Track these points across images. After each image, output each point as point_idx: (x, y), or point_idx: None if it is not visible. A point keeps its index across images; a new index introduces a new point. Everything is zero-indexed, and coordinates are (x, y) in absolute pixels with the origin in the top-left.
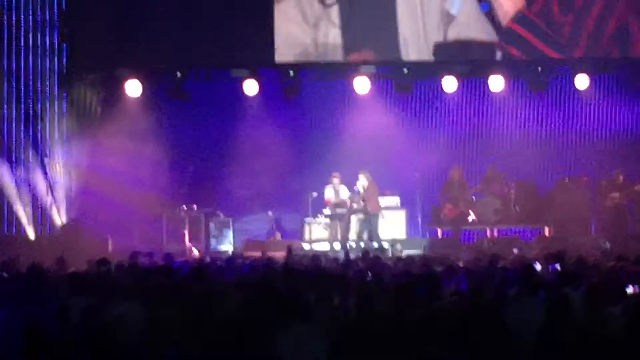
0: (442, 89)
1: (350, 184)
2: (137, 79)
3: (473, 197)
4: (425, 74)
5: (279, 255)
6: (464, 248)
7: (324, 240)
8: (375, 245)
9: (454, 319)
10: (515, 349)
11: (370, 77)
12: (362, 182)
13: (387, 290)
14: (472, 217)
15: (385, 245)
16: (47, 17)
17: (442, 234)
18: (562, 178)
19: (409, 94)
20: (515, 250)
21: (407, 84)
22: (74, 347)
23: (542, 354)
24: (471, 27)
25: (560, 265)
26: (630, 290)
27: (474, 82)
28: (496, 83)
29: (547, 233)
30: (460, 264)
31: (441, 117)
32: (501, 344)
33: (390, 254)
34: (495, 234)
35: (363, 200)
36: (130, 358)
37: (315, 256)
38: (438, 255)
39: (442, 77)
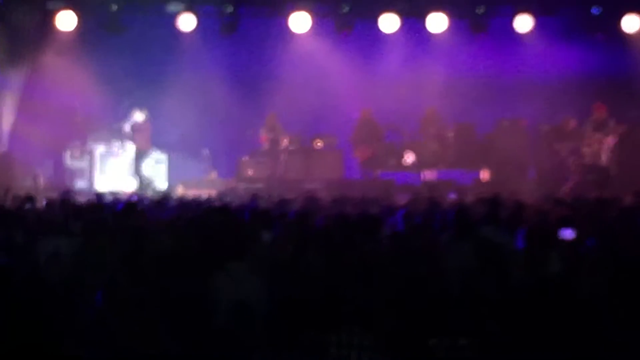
0: (381, 29)
1: (287, 123)
2: (71, 9)
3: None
4: (365, 13)
5: (214, 193)
6: (401, 190)
7: (259, 179)
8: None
9: (390, 262)
10: (448, 294)
11: (310, 15)
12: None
13: (322, 231)
14: (410, 158)
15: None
16: None
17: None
18: (501, 121)
19: (348, 33)
20: (453, 195)
21: (347, 22)
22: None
23: (474, 300)
24: None
25: (495, 209)
26: (567, 234)
27: (413, 22)
28: (436, 23)
29: (484, 176)
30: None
31: (380, 57)
32: (436, 288)
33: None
34: (433, 176)
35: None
36: (58, 296)
37: (254, 195)
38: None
39: (382, 14)
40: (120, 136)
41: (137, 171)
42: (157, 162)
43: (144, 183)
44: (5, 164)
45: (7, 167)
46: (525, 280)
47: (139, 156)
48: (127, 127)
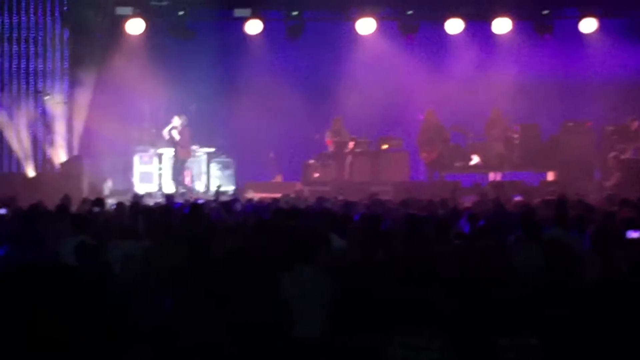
0: (446, 30)
1: (352, 126)
2: (139, 16)
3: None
4: (429, 15)
5: (280, 196)
6: (467, 192)
7: (325, 182)
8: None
9: (457, 263)
10: (516, 295)
11: (375, 18)
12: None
13: (390, 233)
14: (475, 160)
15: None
16: None
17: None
18: (566, 122)
19: (413, 36)
20: (519, 196)
21: (412, 24)
22: (73, 286)
23: (544, 298)
24: None
25: (562, 210)
26: (634, 235)
27: (479, 24)
28: (501, 25)
29: (550, 177)
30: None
31: (446, 59)
32: (503, 288)
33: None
34: (499, 177)
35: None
36: (129, 299)
37: (320, 198)
38: (439, 199)
39: (447, 18)
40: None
41: (175, 177)
42: (224, 165)
43: (181, 189)
44: (75, 167)
45: (78, 171)
46: (592, 281)
47: (178, 163)
48: (166, 133)
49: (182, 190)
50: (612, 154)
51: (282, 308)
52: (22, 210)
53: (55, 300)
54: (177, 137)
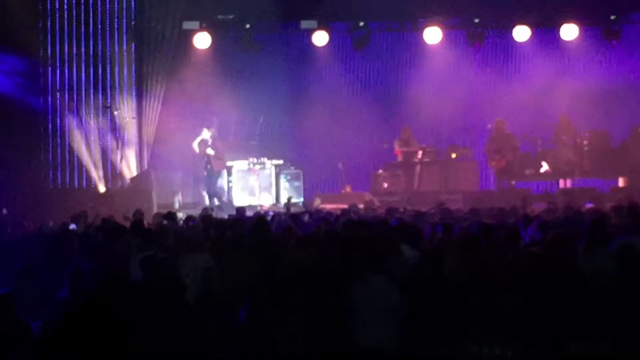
0: (514, 38)
1: (421, 135)
2: (206, 30)
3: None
4: (496, 24)
5: (349, 207)
6: (537, 199)
7: (394, 192)
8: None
9: (531, 270)
10: (590, 301)
11: (441, 28)
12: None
13: (461, 242)
14: (545, 167)
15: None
16: None
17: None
18: (636, 127)
19: (480, 45)
20: (589, 203)
21: (479, 33)
22: (150, 299)
23: (615, 306)
24: None
25: (634, 217)
26: None
27: (546, 31)
28: (569, 31)
29: (621, 184)
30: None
31: (513, 67)
32: (576, 295)
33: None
34: (569, 184)
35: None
36: (201, 311)
37: (390, 208)
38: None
39: (514, 26)
40: (255, 153)
41: (211, 191)
42: (293, 177)
43: (217, 201)
44: (146, 182)
45: (148, 185)
46: None
47: (214, 176)
48: (195, 146)
49: (217, 203)
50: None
51: (352, 317)
52: (94, 225)
53: (130, 315)
54: (211, 152)
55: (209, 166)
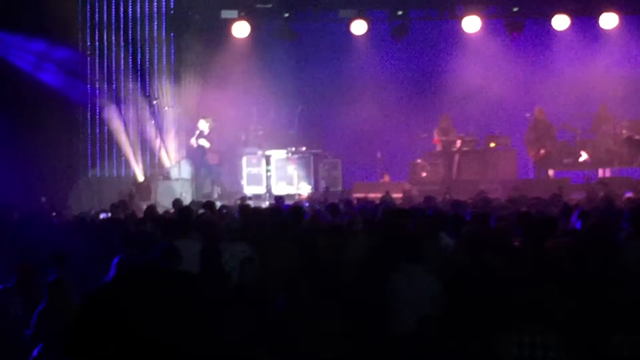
0: (553, 27)
1: (459, 124)
2: (245, 19)
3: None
4: (535, 12)
5: (387, 196)
6: (576, 189)
7: (433, 181)
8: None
9: (571, 260)
10: (629, 292)
11: (480, 16)
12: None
13: (500, 232)
14: (584, 157)
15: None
16: None
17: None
18: None
19: (519, 33)
20: (629, 193)
21: (518, 22)
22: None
23: None
24: None
25: None
26: None
27: (585, 19)
28: (608, 20)
29: None
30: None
31: (552, 56)
32: (616, 286)
33: None
34: (608, 174)
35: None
36: (244, 301)
37: (428, 197)
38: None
39: (553, 15)
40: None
41: (215, 179)
42: (331, 166)
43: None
44: (184, 171)
45: (186, 175)
46: None
47: (212, 168)
48: (193, 142)
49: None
50: None
51: (389, 306)
52: (134, 214)
53: (170, 304)
54: (206, 144)
55: (204, 158)
